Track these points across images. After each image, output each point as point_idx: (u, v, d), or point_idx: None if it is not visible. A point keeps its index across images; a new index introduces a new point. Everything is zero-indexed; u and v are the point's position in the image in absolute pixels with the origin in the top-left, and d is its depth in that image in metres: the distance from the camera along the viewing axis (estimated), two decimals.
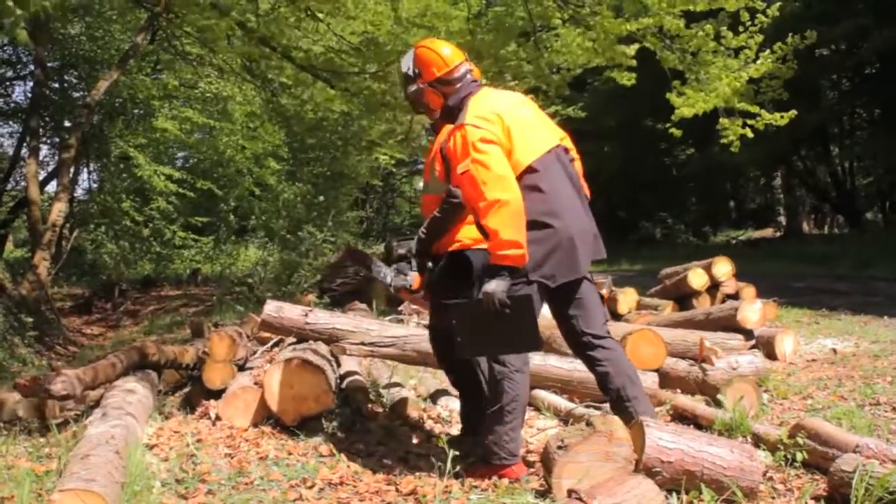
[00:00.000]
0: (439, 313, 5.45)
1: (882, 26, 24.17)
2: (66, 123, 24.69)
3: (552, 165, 4.79)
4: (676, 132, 15.30)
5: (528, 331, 4.62)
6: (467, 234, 5.28)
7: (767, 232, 40.00)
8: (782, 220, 40.56)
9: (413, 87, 5.13)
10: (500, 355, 4.74)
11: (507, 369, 4.75)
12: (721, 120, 15.67)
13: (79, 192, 28.78)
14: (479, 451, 4.96)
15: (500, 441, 4.75)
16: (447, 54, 5.11)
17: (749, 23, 14.51)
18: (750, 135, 15.50)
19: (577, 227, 4.77)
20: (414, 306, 11.02)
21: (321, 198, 25.74)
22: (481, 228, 4.69)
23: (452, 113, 4.98)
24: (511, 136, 4.71)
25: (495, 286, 4.42)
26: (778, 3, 14.65)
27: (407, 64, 5.14)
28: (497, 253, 4.45)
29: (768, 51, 14.93)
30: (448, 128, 5.34)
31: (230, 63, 18.84)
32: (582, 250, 4.78)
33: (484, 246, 5.26)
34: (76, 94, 26.11)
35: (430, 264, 5.40)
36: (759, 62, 14.84)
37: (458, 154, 4.64)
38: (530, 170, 4.71)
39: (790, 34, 14.95)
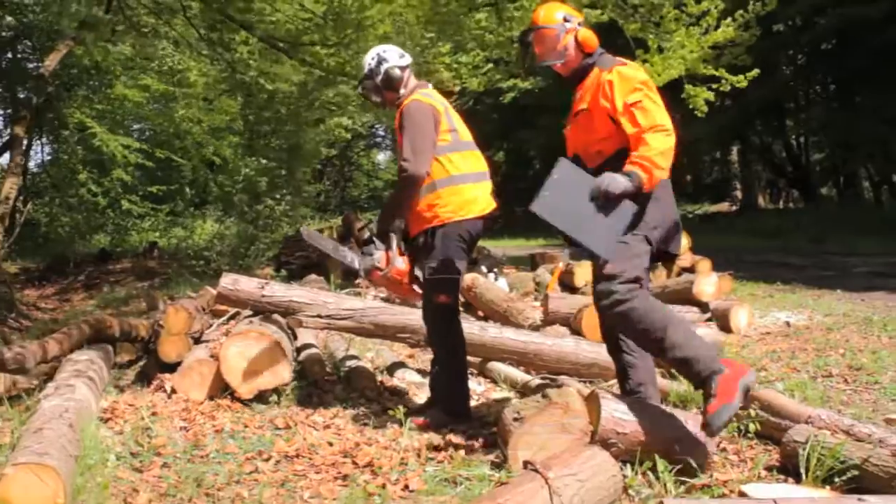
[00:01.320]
0: (426, 291, 5.53)
1: (838, 4, 24.36)
2: (20, 95, 24.36)
3: None
4: None
5: (603, 234, 4.41)
6: (443, 210, 5.38)
7: (723, 206, 40.28)
8: (738, 194, 40.85)
9: (568, 28, 4.93)
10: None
11: (639, 297, 4.41)
12: (686, 87, 15.78)
13: (32, 164, 28.45)
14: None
15: (696, 346, 4.37)
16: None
17: None
18: (713, 98, 15.66)
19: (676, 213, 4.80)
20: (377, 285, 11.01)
21: (283, 171, 25.62)
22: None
23: (585, 68, 4.91)
24: None
25: (613, 180, 4.35)
26: None
27: (561, 14, 4.98)
28: (638, 161, 4.39)
29: (730, 18, 15.04)
30: (420, 98, 5.49)
31: (185, 36, 18.61)
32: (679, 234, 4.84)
33: (464, 216, 5.38)
34: (30, 65, 25.75)
35: (395, 243, 5.52)
36: (720, 30, 14.95)
37: (620, 89, 4.58)
38: None
39: (751, 1, 15.06)
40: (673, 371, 6.08)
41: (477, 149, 5.70)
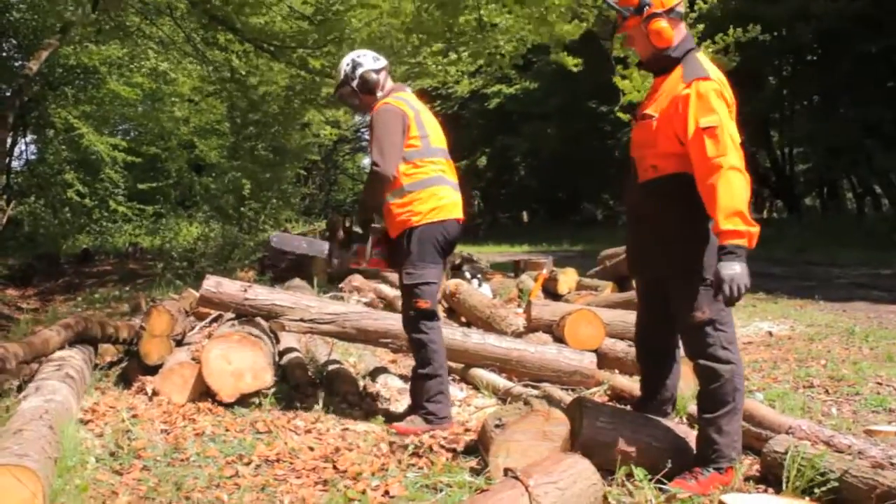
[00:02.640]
0: (405, 298, 5.62)
1: None
2: (6, 93, 24.32)
3: None
4: (624, 116, 15.34)
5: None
6: (418, 211, 5.44)
7: None
8: None
9: (643, 17, 4.37)
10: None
11: (736, 366, 4.27)
12: None
13: (16, 164, 28.39)
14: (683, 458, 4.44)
15: (732, 443, 4.29)
16: None
17: (688, 9, 14.51)
18: None
19: None
20: (355, 284, 11.05)
21: (268, 174, 25.59)
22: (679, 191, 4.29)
23: (666, 61, 4.43)
24: (732, 113, 4.25)
25: (739, 269, 3.95)
26: None
27: None
28: (730, 228, 3.97)
29: (709, 40, 15.00)
30: (392, 101, 5.53)
31: (172, 37, 18.62)
32: None
33: (440, 218, 5.42)
34: (15, 64, 25.65)
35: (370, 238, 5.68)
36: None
37: (696, 108, 4.14)
38: None
39: (731, 26, 14.98)
40: None
41: (449, 157, 5.76)
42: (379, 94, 5.73)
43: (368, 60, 5.78)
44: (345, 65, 5.82)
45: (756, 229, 3.98)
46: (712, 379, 4.24)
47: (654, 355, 4.80)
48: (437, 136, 5.66)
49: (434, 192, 5.46)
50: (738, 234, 3.95)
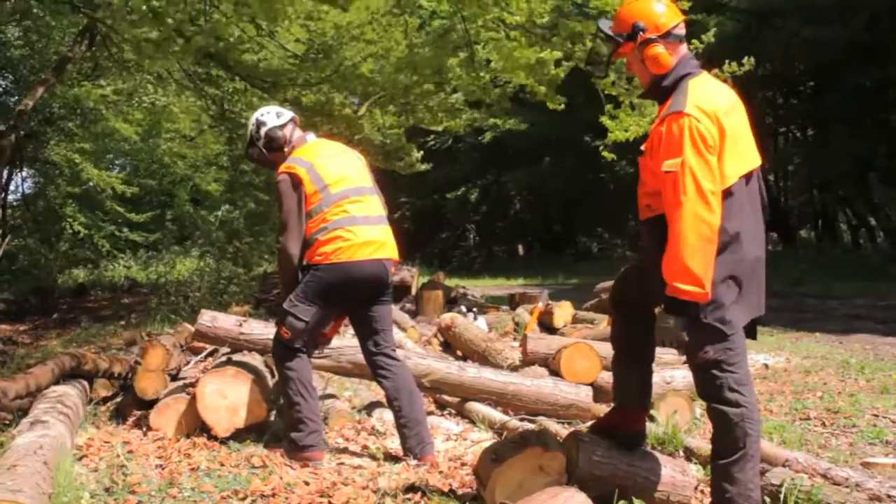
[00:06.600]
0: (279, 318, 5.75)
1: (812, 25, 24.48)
2: (0, 128, 24.40)
3: (745, 190, 4.09)
4: (609, 155, 15.38)
5: None
6: (318, 253, 5.49)
7: None
8: None
9: (637, 45, 4.08)
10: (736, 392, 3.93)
11: (747, 409, 3.94)
12: None
13: (11, 198, 28.44)
14: None
15: (746, 492, 3.95)
16: (670, 6, 4.17)
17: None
18: None
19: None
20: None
21: (262, 208, 25.58)
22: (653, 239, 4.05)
23: (662, 90, 4.12)
24: (724, 145, 3.91)
25: (671, 324, 3.80)
26: (713, 30, 14.66)
27: (633, 22, 4.10)
28: (673, 284, 3.79)
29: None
30: (287, 168, 5.58)
31: (169, 71, 18.71)
32: (756, 288, 4.10)
33: (341, 259, 5.43)
34: (12, 100, 25.74)
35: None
36: None
37: (665, 147, 3.86)
38: (727, 193, 3.91)
39: (727, 61, 14.93)
40: (651, 411, 6.09)
41: (367, 192, 5.73)
42: (286, 149, 5.80)
43: (271, 118, 5.86)
44: (251, 125, 5.92)
45: (704, 291, 3.76)
46: (721, 422, 3.98)
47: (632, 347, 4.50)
48: (340, 179, 5.62)
49: (339, 234, 5.46)
50: (683, 292, 3.77)
